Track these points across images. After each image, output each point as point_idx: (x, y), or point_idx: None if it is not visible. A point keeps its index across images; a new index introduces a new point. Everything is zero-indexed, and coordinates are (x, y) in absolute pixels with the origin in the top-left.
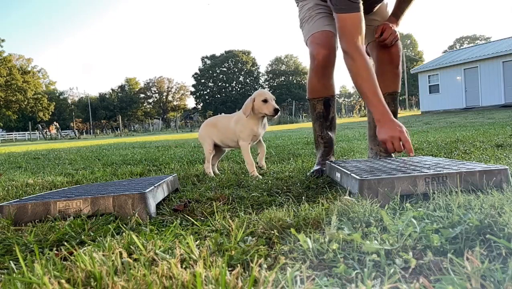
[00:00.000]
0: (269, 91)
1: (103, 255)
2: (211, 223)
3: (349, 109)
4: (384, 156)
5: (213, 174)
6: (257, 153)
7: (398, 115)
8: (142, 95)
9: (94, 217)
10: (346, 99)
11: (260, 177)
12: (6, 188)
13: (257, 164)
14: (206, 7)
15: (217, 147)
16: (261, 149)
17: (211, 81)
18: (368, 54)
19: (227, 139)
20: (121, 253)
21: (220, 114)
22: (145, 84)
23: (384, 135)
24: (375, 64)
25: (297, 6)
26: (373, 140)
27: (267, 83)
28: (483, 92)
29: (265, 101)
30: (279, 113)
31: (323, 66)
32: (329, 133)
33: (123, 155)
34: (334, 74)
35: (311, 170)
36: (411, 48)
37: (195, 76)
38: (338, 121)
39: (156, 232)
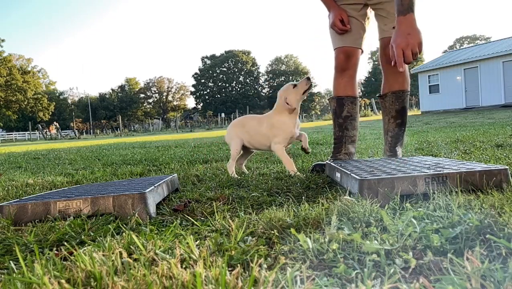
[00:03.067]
0: (269, 91)
1: (103, 255)
2: (211, 223)
3: None
4: (390, 154)
5: (236, 175)
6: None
7: None
8: (142, 95)
9: (94, 217)
10: None
11: (301, 175)
12: (6, 188)
13: (303, 149)
14: (206, 7)
15: (246, 148)
16: (303, 137)
17: (211, 81)
18: None
19: (257, 142)
20: (121, 253)
21: (220, 114)
22: (145, 84)
23: (401, 40)
24: (381, 65)
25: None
26: (383, 137)
27: (267, 83)
28: (483, 92)
29: (294, 86)
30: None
31: (342, 68)
32: (342, 131)
33: (123, 155)
34: (356, 79)
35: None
36: None
37: (195, 76)
38: None
39: (156, 232)
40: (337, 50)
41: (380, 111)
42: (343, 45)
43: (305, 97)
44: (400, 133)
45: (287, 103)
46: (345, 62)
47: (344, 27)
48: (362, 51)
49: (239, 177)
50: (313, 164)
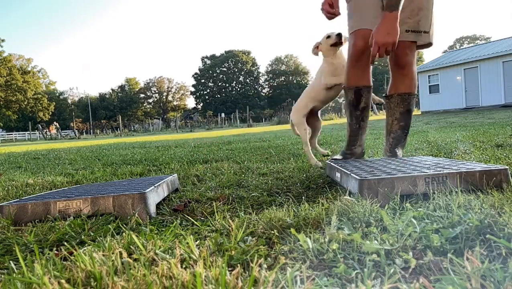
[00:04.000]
0: (269, 91)
1: (103, 255)
2: (211, 223)
3: None
4: (389, 155)
5: (319, 164)
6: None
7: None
8: (142, 95)
9: (94, 217)
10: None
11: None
12: (6, 188)
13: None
14: (206, 7)
15: (310, 125)
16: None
17: (211, 81)
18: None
19: (320, 95)
20: (121, 253)
21: (220, 114)
22: (145, 84)
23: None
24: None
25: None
26: (385, 137)
27: (267, 83)
28: (483, 92)
29: (328, 37)
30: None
31: (358, 56)
32: (358, 123)
33: (123, 155)
34: (370, 67)
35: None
36: None
37: (195, 76)
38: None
39: (156, 232)
40: (354, 33)
41: (380, 111)
42: (360, 27)
43: (337, 50)
44: (402, 136)
45: (317, 48)
46: (363, 47)
47: (332, 11)
48: None
49: (321, 165)
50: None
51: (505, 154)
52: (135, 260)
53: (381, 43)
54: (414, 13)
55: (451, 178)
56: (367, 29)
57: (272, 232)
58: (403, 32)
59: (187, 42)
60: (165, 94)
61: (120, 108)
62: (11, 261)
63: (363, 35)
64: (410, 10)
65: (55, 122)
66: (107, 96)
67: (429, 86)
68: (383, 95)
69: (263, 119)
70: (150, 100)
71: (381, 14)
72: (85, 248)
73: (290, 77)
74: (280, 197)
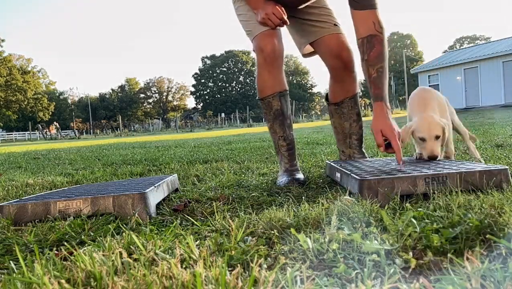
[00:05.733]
0: None
1: (103, 255)
2: (211, 223)
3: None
4: (359, 156)
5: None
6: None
7: (399, 115)
8: (142, 95)
9: (94, 217)
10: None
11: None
12: (6, 188)
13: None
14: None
15: None
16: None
17: (211, 81)
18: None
19: None
20: (121, 253)
21: (220, 114)
22: (145, 84)
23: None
24: (330, 72)
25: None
26: (342, 143)
27: None
28: (483, 92)
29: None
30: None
31: (273, 57)
32: (290, 132)
33: (123, 155)
34: (283, 69)
35: (280, 181)
36: (411, 48)
37: (195, 76)
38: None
39: (156, 232)
40: (258, 36)
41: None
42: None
43: None
44: (362, 133)
45: None
46: (274, 47)
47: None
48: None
49: None
50: (283, 180)
51: (505, 154)
52: (135, 260)
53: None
54: (323, 10)
55: (451, 178)
56: (268, 29)
57: (272, 232)
58: (331, 27)
59: (187, 42)
60: (165, 94)
61: (120, 108)
62: (11, 261)
63: (271, 34)
64: (318, 9)
65: (55, 122)
66: (107, 96)
67: (429, 86)
68: (328, 102)
69: (263, 119)
70: (150, 100)
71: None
72: (85, 248)
73: (290, 77)
74: (280, 197)
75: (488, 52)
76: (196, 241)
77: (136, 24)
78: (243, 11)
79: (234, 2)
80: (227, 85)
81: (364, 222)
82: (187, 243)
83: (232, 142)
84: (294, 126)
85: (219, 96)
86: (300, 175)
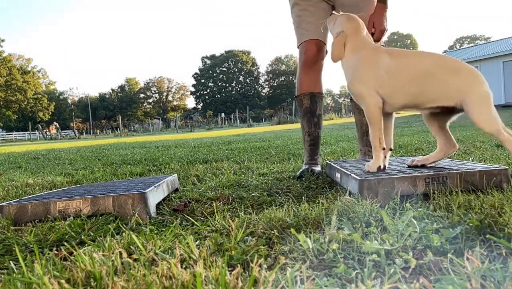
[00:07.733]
0: (269, 91)
1: (103, 255)
2: (211, 223)
3: (349, 109)
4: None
5: None
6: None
7: (398, 115)
8: (142, 95)
9: (94, 217)
10: (346, 99)
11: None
12: (6, 188)
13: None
14: (206, 7)
15: None
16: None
17: (211, 81)
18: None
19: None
20: (121, 253)
21: (220, 114)
22: (145, 84)
23: None
24: None
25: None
26: (360, 140)
27: (267, 83)
28: None
29: None
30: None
31: (311, 61)
32: (316, 130)
33: (123, 155)
34: (321, 75)
35: (298, 172)
36: (411, 48)
37: (195, 76)
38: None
39: (156, 232)
40: (305, 43)
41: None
42: (309, 38)
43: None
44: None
45: None
46: (315, 55)
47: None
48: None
49: None
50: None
51: (505, 154)
52: (135, 260)
53: (382, 30)
54: None
55: (451, 178)
56: (315, 39)
57: (272, 232)
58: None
59: (187, 42)
60: (165, 94)
61: (120, 108)
62: (11, 261)
63: (315, 44)
64: None
65: (55, 122)
66: (107, 96)
67: None
68: (349, 98)
69: (263, 119)
70: (150, 100)
71: (374, 5)
72: (85, 248)
73: (290, 77)
74: (280, 197)
75: (488, 52)
76: (196, 241)
77: (136, 24)
78: (296, 15)
79: (292, 7)
80: (227, 85)
81: (364, 222)
82: (187, 243)
83: (232, 142)
84: (294, 126)
85: (219, 96)
86: (316, 168)
